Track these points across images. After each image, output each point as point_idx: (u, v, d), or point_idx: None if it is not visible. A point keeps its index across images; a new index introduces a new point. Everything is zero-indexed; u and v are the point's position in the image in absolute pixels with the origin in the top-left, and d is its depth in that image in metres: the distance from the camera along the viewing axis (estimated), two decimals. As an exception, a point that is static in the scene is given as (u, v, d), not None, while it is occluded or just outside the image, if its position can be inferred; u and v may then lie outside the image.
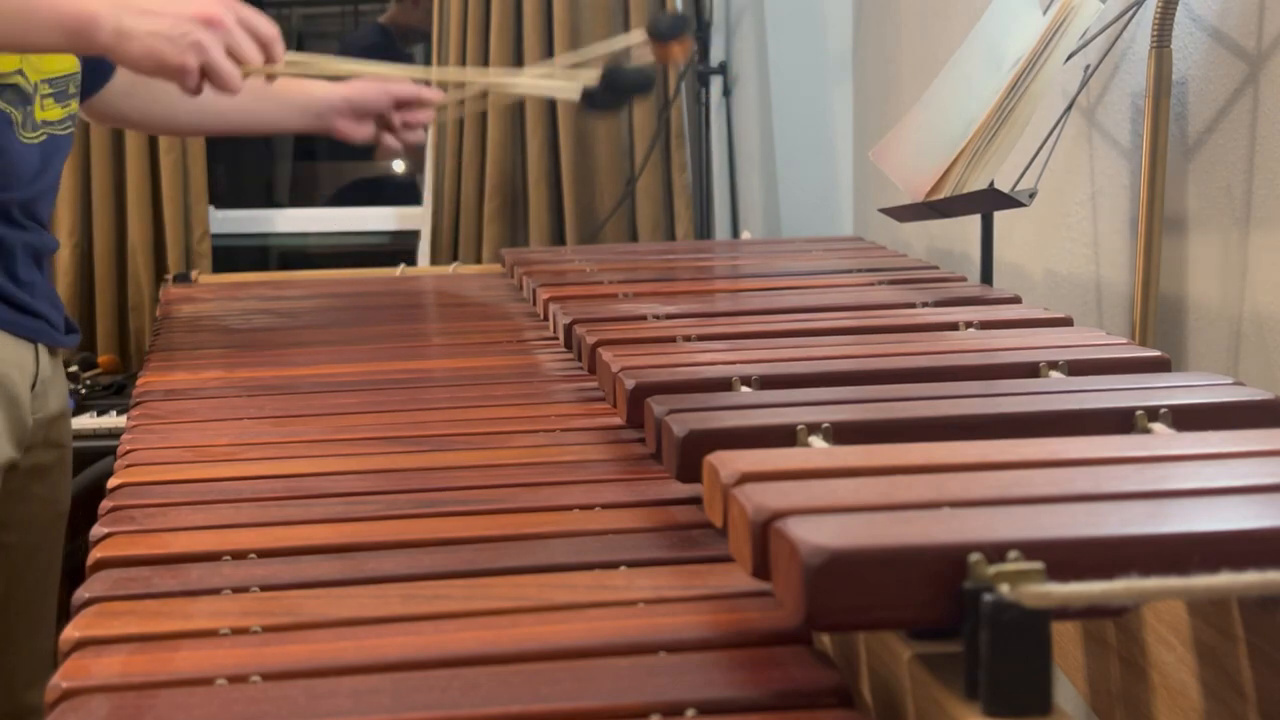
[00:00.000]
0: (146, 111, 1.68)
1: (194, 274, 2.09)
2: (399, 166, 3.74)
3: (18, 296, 1.43)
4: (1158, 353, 1.07)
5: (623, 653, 0.68)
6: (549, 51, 2.81)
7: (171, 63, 1.29)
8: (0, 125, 1.39)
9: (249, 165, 3.98)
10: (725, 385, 1.01)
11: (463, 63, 2.84)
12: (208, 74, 1.31)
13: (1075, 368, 1.03)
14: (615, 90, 1.47)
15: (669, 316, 1.31)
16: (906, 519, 0.63)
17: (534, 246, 2.80)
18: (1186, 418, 0.88)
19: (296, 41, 4.75)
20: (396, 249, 3.10)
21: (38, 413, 1.46)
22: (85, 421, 2.45)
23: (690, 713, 0.62)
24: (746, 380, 1.01)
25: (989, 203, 1.40)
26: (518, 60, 2.82)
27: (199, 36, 1.30)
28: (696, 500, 0.89)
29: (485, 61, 2.82)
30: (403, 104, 1.65)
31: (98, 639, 0.72)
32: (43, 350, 1.47)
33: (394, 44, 3.72)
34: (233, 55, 1.31)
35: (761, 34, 2.88)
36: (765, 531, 0.63)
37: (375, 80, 1.66)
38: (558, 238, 2.87)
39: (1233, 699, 0.74)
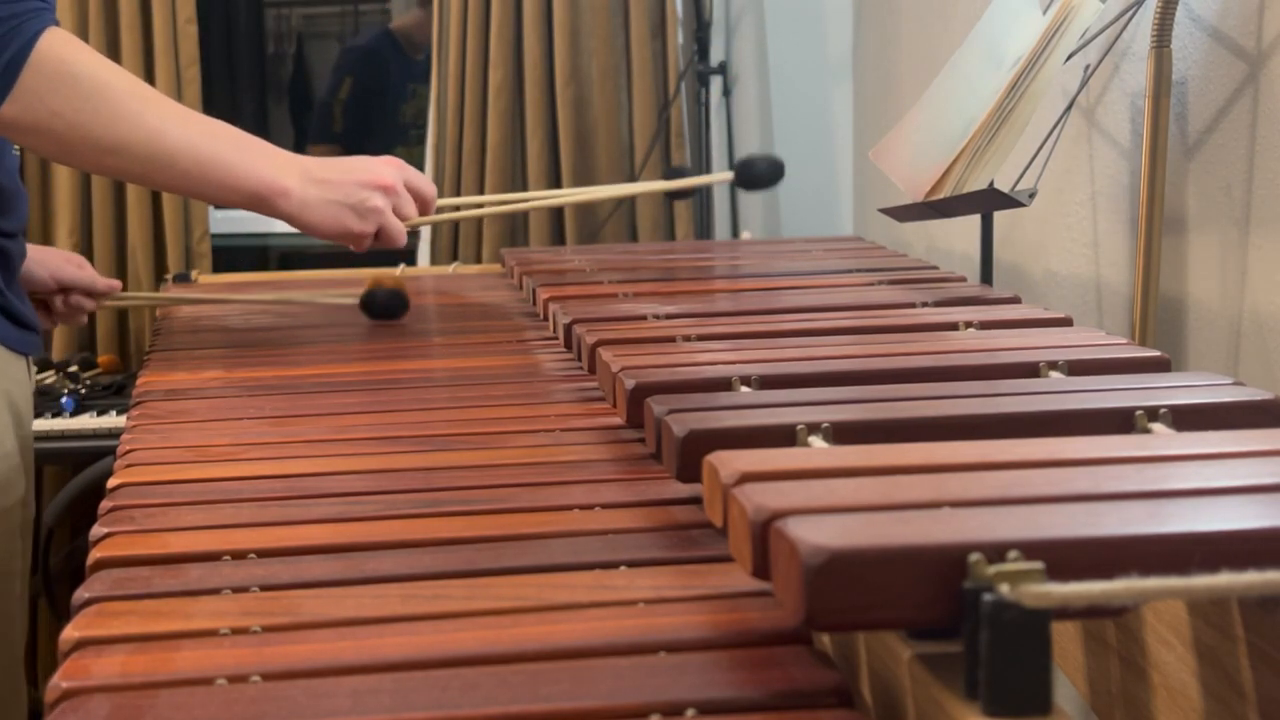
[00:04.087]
0: None
1: (194, 274, 2.09)
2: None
3: (17, 309, 1.39)
4: (1158, 353, 1.07)
5: (623, 653, 0.68)
6: (549, 52, 2.81)
7: (354, 230, 1.38)
8: None
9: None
10: (725, 385, 1.01)
11: (462, 62, 2.83)
12: (379, 235, 1.40)
13: (1075, 368, 1.03)
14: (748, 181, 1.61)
15: (669, 316, 1.31)
16: (906, 519, 0.63)
17: (534, 246, 2.80)
18: (1186, 418, 0.88)
19: (296, 42, 4.75)
20: (396, 248, 3.10)
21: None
22: (85, 421, 2.45)
23: (690, 713, 0.62)
24: (746, 380, 1.01)
25: (989, 203, 1.40)
26: (518, 60, 2.82)
27: (376, 203, 1.38)
28: (696, 500, 0.89)
29: (485, 61, 2.82)
30: (68, 289, 1.62)
31: (98, 639, 0.71)
32: (30, 363, 1.44)
33: (400, 50, 3.73)
34: (397, 214, 1.40)
35: (761, 34, 2.88)
36: (765, 531, 0.63)
37: (63, 261, 1.62)
38: (558, 238, 2.87)
39: (1233, 699, 0.74)
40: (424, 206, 1.44)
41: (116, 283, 1.70)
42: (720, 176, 1.63)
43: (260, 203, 1.35)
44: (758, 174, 1.57)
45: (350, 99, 3.72)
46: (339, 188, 1.37)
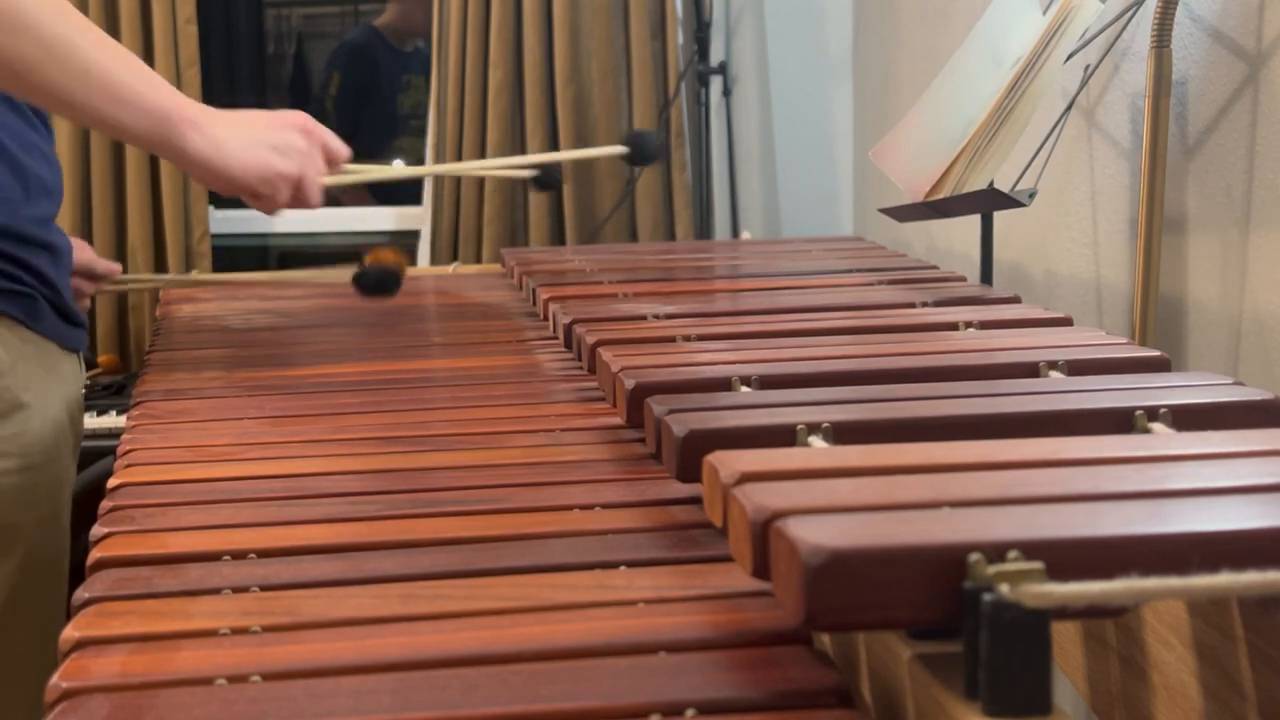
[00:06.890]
0: None
1: (194, 274, 2.09)
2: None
3: (68, 306, 1.36)
4: (1158, 353, 1.07)
5: (623, 653, 0.68)
6: (549, 52, 2.81)
7: (277, 169, 1.26)
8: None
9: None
10: (725, 385, 1.01)
11: (462, 62, 2.83)
12: (297, 188, 1.28)
13: (1075, 368, 1.03)
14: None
15: (669, 316, 1.31)
16: (906, 519, 0.63)
17: (534, 246, 2.80)
18: (1186, 418, 0.88)
19: (296, 41, 4.75)
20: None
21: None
22: (85, 421, 2.44)
23: (690, 713, 0.62)
24: (746, 380, 1.01)
25: (989, 203, 1.40)
26: (518, 60, 2.82)
27: (300, 144, 1.27)
28: (696, 500, 0.89)
29: (485, 61, 2.81)
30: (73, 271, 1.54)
31: (98, 639, 0.72)
32: (80, 360, 1.43)
33: (388, 44, 3.75)
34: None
35: (761, 34, 2.88)
36: (765, 531, 0.63)
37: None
38: (558, 238, 2.87)
39: (1233, 699, 0.74)
40: (335, 168, 1.34)
41: (116, 265, 1.66)
42: (611, 150, 1.65)
43: (168, 127, 1.21)
44: (648, 148, 1.59)
45: (340, 94, 3.73)
46: (255, 127, 1.26)
